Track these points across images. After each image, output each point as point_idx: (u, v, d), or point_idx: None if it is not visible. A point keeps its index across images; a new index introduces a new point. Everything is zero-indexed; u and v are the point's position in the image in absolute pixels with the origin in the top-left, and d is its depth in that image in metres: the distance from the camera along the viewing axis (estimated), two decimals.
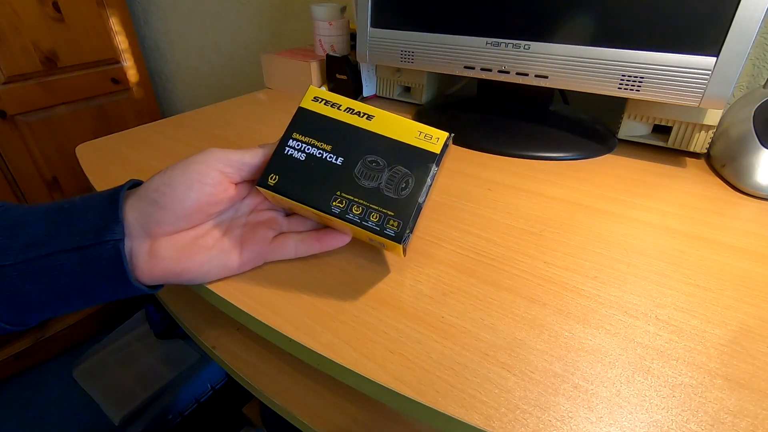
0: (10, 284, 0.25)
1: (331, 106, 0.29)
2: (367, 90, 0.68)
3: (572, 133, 0.53)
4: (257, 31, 1.03)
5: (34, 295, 0.25)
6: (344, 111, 0.29)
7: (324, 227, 0.32)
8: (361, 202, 0.27)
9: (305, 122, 0.29)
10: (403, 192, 0.26)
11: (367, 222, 0.26)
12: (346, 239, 0.31)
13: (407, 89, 0.68)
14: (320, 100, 0.30)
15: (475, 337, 0.26)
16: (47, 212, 0.26)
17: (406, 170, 0.27)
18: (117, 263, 0.25)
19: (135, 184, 0.29)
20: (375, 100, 0.70)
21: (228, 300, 0.29)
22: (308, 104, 0.30)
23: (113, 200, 0.26)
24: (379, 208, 0.26)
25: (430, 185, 0.27)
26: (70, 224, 0.26)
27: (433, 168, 0.27)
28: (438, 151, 0.27)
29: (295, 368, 0.42)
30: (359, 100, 0.29)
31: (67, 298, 0.26)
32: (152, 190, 0.27)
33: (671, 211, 0.39)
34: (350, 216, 0.26)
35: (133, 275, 0.27)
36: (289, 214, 0.33)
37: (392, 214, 0.26)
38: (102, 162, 0.49)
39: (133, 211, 0.26)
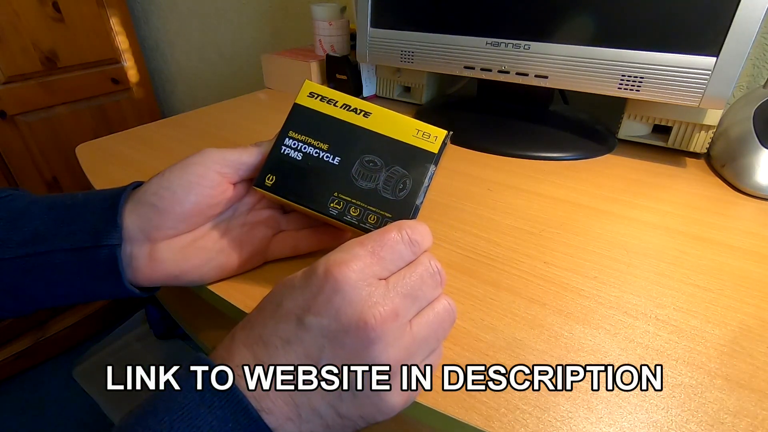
0: (9, 277, 0.25)
1: (328, 102, 0.29)
2: (367, 90, 0.68)
3: (572, 133, 0.53)
4: (257, 31, 1.03)
5: (32, 289, 0.26)
6: (341, 108, 0.29)
7: (322, 224, 0.32)
8: (359, 203, 0.27)
9: (301, 120, 0.29)
10: (400, 193, 0.26)
11: (364, 224, 0.26)
12: (345, 236, 0.32)
13: (407, 89, 0.68)
14: (316, 96, 0.29)
15: (475, 337, 0.26)
16: (50, 207, 0.27)
17: (404, 171, 0.27)
18: (113, 267, 0.25)
19: (138, 185, 0.29)
20: (375, 100, 0.69)
21: (228, 300, 0.29)
22: (304, 100, 0.29)
23: (113, 204, 0.26)
24: (377, 210, 0.26)
25: (428, 186, 0.27)
26: (70, 223, 0.26)
27: (431, 168, 0.27)
28: (436, 151, 0.27)
29: None
30: None
31: (62, 293, 0.27)
32: (151, 194, 0.27)
33: (671, 211, 0.39)
34: (348, 218, 0.26)
35: (132, 279, 0.27)
36: (287, 210, 0.33)
37: (390, 216, 0.26)
38: (102, 162, 0.49)
39: (132, 215, 0.26)
